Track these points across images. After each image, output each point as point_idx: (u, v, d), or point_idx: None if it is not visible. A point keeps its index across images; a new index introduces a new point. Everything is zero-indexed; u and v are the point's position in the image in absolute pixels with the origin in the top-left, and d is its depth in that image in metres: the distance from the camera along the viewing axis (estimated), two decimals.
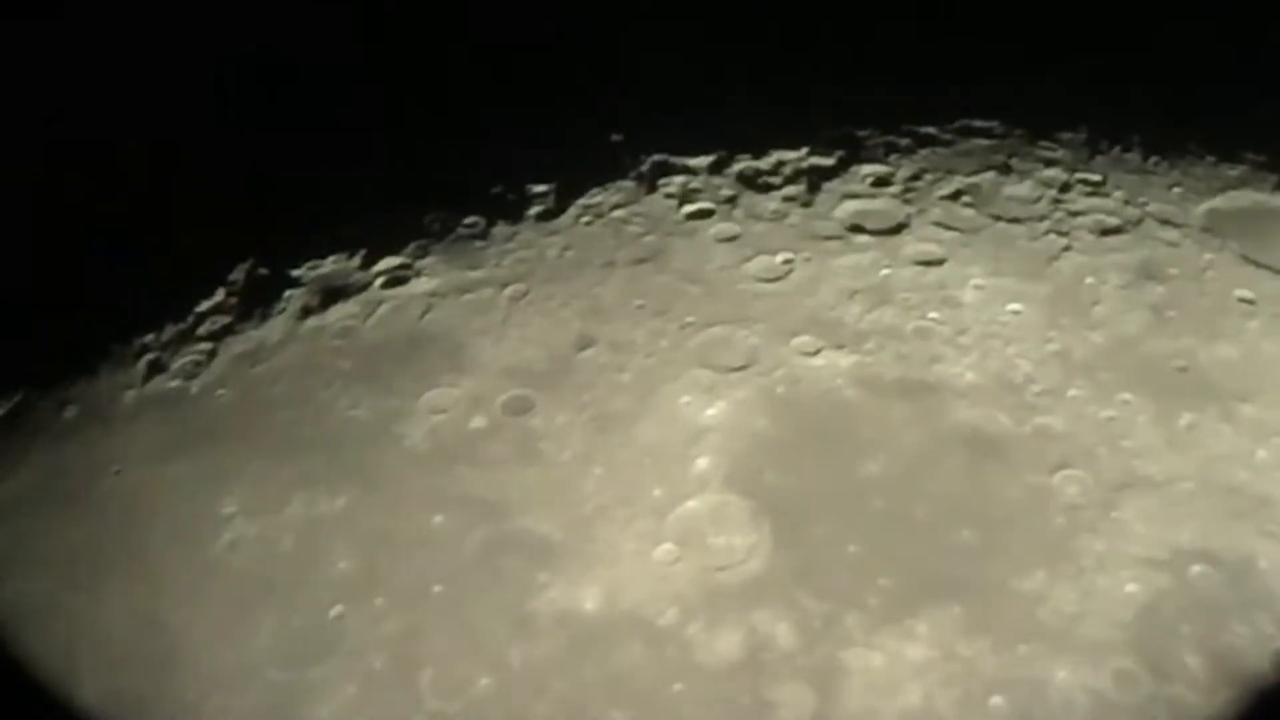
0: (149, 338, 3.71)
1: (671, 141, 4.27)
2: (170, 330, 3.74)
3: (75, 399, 3.57)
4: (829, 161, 4.19)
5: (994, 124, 4.28)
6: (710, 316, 3.70)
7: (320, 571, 3.08)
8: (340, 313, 3.82)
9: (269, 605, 3.00)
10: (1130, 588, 2.89)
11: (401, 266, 3.95)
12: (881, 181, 4.13)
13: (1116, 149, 4.13)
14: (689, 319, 3.69)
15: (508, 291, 3.84)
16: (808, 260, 3.86)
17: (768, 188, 4.13)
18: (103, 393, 3.59)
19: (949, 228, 3.94)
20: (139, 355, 3.68)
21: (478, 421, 3.44)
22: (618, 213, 4.09)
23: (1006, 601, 2.89)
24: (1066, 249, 3.83)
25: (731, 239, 3.98)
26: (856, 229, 3.96)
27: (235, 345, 3.73)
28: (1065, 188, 4.05)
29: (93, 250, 3.79)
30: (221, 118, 4.16)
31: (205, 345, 3.72)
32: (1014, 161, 4.15)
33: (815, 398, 3.43)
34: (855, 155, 4.21)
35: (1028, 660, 2.76)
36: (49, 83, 4.01)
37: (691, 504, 3.16)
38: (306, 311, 3.82)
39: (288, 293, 3.88)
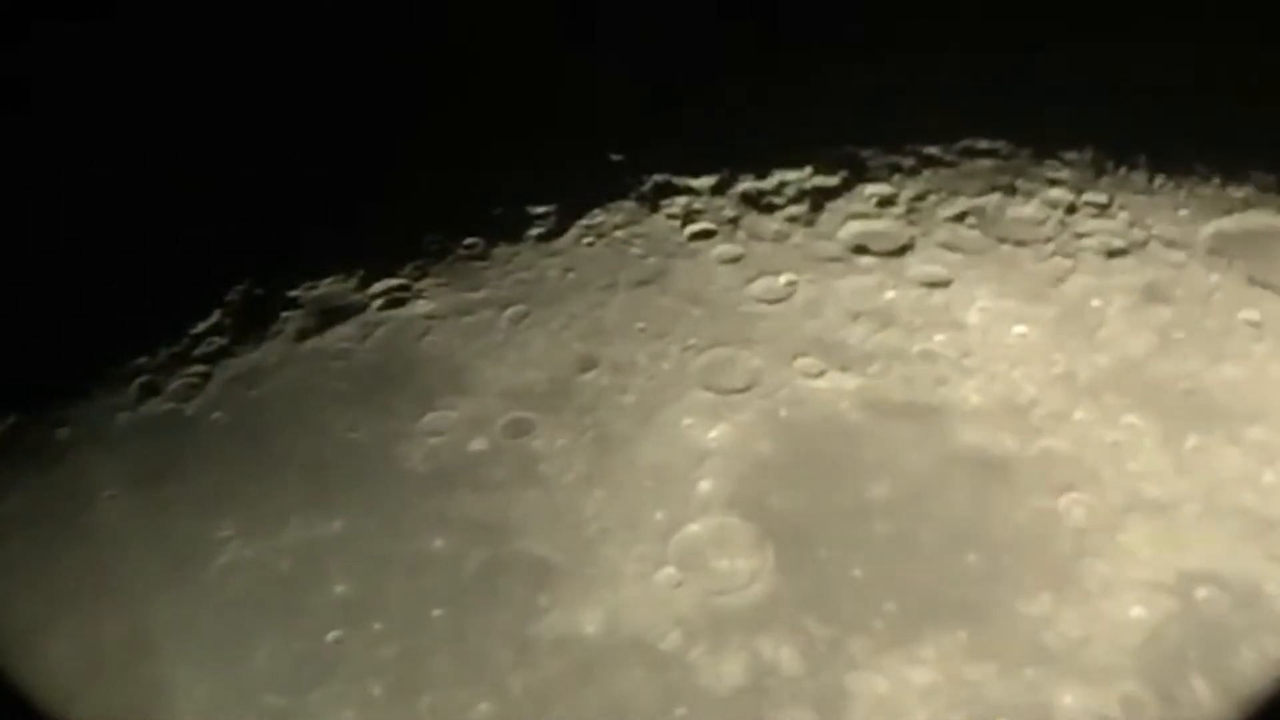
0: (143, 359, 3.69)
1: (673, 162, 4.25)
2: (164, 352, 3.72)
3: (68, 421, 3.54)
4: (832, 182, 4.17)
5: (999, 144, 4.25)
6: (712, 338, 3.67)
7: (317, 595, 3.05)
8: (338, 334, 3.79)
9: (265, 629, 2.97)
10: (1136, 612, 2.86)
11: (400, 288, 3.92)
12: (885, 202, 4.10)
13: (1122, 170, 4.11)
14: (691, 340, 3.67)
15: (508, 313, 3.82)
16: (811, 282, 3.84)
17: (770, 208, 4.11)
18: (96, 415, 3.56)
19: (954, 249, 3.91)
20: (133, 377, 3.65)
21: (478, 444, 3.41)
22: (619, 233, 4.07)
23: (1012, 626, 2.86)
24: (1072, 271, 3.81)
25: (734, 260, 3.95)
26: (860, 250, 3.94)
27: (231, 367, 3.70)
28: (1071, 209, 4.02)
29: (86, 271, 3.77)
30: (217, 138, 4.15)
31: (200, 367, 3.69)
32: (1019, 183, 4.12)
33: (819, 420, 3.41)
34: (859, 176, 4.18)
35: (1033, 685, 2.73)
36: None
37: (694, 527, 3.14)
38: (303, 333, 3.79)
39: (284, 314, 3.85)
